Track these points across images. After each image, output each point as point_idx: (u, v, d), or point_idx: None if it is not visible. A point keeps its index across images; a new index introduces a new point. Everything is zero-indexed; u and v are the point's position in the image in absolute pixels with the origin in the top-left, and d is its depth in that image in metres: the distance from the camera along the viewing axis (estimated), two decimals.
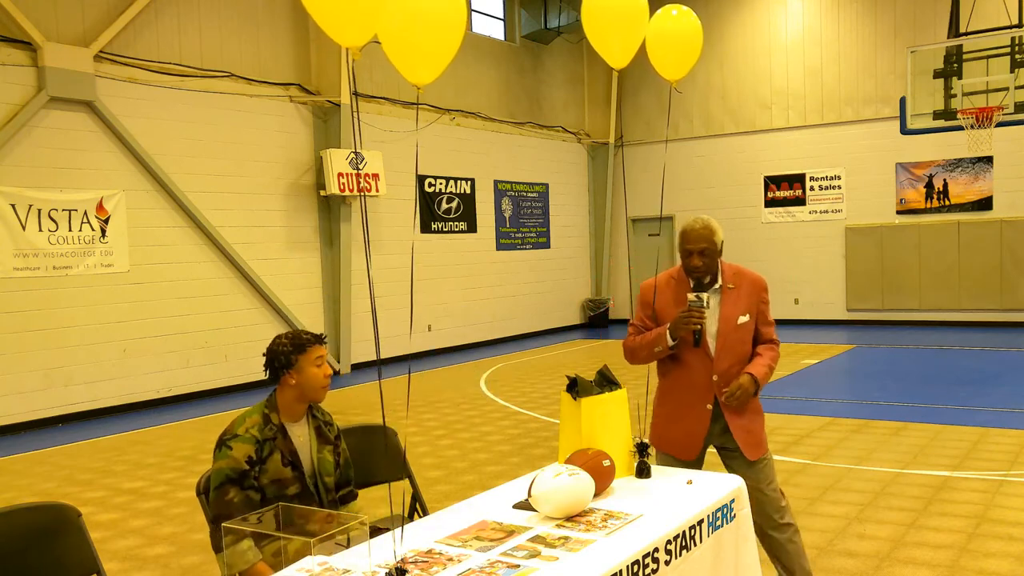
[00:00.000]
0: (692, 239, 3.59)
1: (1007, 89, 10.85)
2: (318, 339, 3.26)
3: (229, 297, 11.28)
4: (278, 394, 3.24)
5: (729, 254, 3.70)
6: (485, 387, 10.96)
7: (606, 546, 2.59)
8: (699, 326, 3.54)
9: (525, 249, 16.64)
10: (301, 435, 3.28)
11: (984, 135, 11.15)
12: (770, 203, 16.94)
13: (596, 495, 3.06)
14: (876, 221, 15.94)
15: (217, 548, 3.08)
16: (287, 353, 3.19)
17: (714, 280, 3.66)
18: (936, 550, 4.72)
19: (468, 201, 15.20)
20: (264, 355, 3.24)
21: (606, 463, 3.09)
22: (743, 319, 3.65)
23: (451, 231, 14.83)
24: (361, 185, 12.54)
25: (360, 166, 12.40)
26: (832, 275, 16.41)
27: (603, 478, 3.07)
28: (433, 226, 14.47)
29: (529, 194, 16.71)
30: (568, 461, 3.07)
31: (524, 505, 2.97)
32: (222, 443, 3.15)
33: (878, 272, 15.97)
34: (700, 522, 2.94)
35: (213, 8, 11.18)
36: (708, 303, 3.57)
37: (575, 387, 3.23)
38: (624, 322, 18.23)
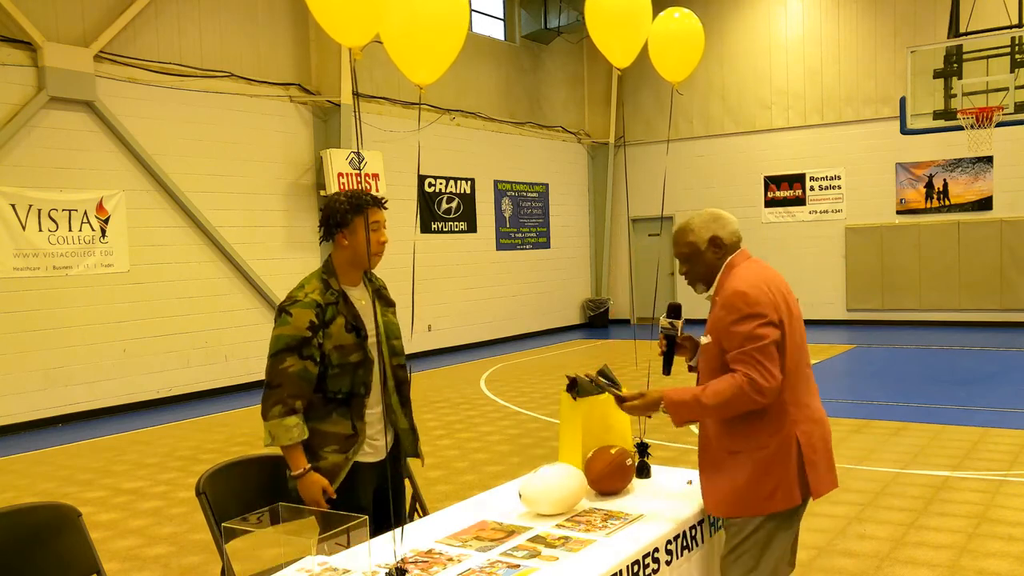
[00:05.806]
0: (673, 244, 3.09)
1: (1007, 89, 10.83)
2: (377, 202, 3.11)
3: (229, 297, 11.28)
4: (333, 257, 3.12)
5: None
6: (485, 387, 10.95)
7: (606, 546, 2.59)
8: (660, 354, 3.13)
9: (525, 249, 16.63)
10: (362, 299, 3.15)
11: (984, 135, 11.14)
12: (770, 203, 16.93)
13: (617, 493, 3.10)
14: (876, 221, 15.94)
15: (266, 416, 2.99)
16: (343, 212, 3.05)
17: (710, 289, 3.06)
18: (936, 550, 4.72)
19: (468, 201, 15.20)
20: (320, 210, 3.12)
21: (628, 462, 3.11)
22: (704, 340, 2.95)
23: (451, 231, 14.82)
24: (361, 185, 12.54)
25: (360, 166, 12.40)
26: (832, 275, 16.40)
27: (626, 475, 3.10)
28: (433, 226, 14.46)
29: (529, 194, 16.71)
30: (592, 458, 3.09)
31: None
32: (282, 310, 3.03)
33: (878, 272, 15.97)
34: (700, 522, 2.94)
35: (213, 8, 11.18)
36: (681, 329, 3.12)
37: (575, 387, 3.23)
38: (625, 322, 18.23)
